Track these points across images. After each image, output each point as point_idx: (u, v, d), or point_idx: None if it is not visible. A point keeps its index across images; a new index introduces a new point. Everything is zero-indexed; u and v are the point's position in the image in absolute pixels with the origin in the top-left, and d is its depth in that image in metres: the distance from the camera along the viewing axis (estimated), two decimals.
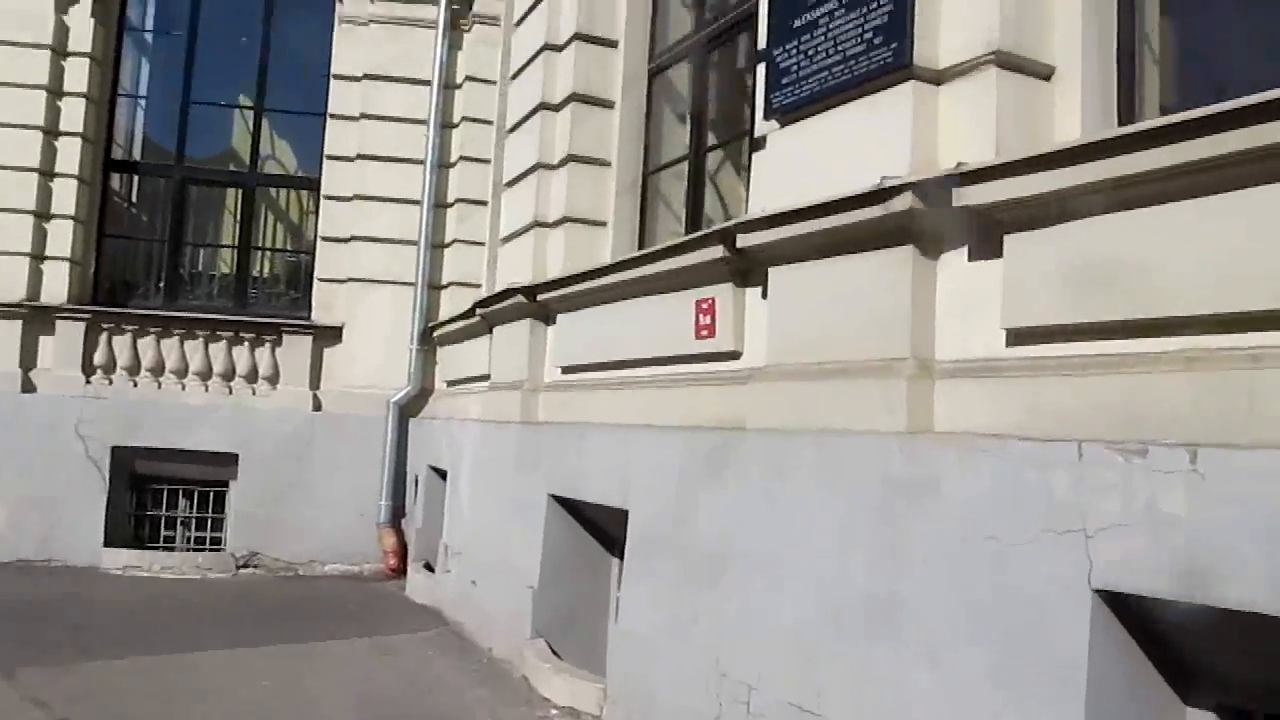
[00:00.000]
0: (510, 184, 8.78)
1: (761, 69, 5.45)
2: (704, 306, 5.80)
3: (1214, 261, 3.33)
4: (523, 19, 8.85)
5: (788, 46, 5.07)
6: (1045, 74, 4.29)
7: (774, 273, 5.13)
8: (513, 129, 8.82)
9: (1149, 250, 3.52)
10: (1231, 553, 3.03)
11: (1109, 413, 3.53)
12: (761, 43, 5.46)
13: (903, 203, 4.23)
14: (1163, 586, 3.20)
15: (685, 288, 5.96)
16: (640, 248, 7.78)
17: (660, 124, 7.95)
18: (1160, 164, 3.45)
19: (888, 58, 4.46)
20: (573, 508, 7.11)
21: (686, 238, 5.91)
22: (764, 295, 5.40)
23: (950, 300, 4.31)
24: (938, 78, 4.42)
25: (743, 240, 5.20)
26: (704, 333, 5.80)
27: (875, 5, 4.56)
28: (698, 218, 7.11)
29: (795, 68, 5.01)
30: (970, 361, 4.17)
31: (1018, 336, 3.99)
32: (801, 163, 4.96)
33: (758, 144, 5.51)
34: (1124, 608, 3.39)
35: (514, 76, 8.94)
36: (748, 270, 5.55)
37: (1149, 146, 3.45)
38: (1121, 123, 4.19)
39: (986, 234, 4.13)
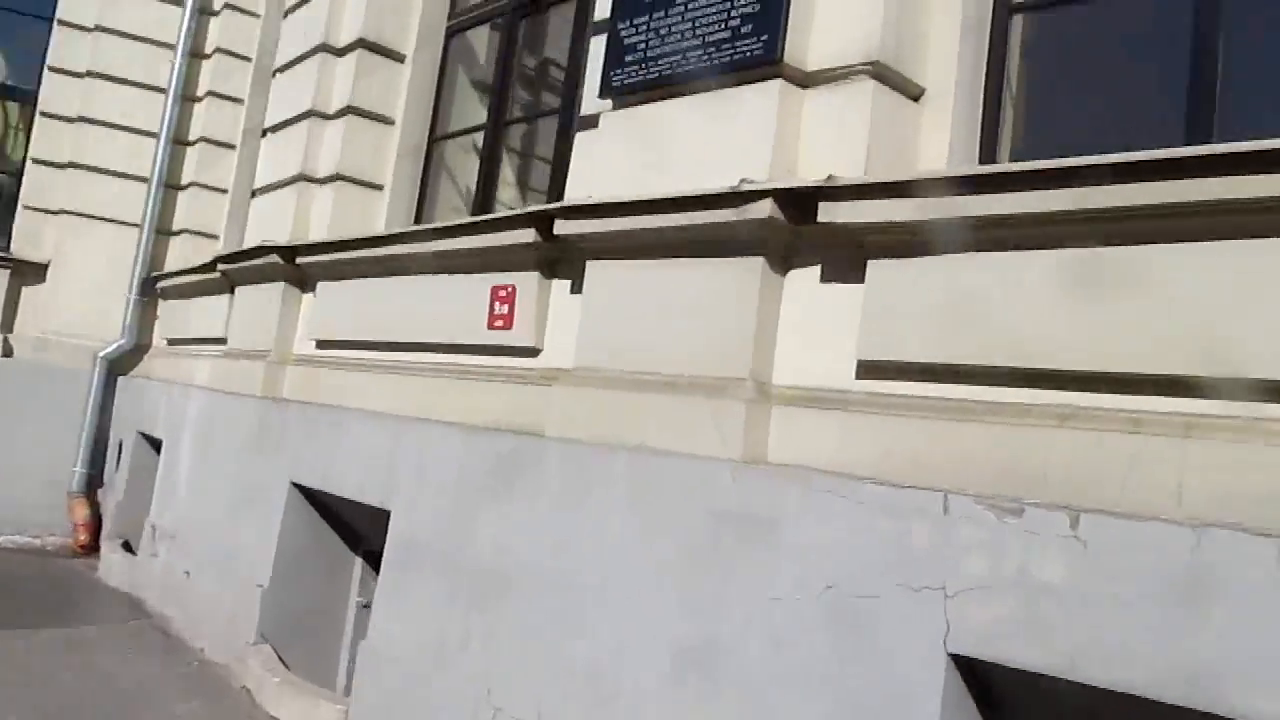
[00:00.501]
0: (273, 130, 7.79)
1: (598, 41, 4.95)
2: (502, 294, 5.23)
3: (1090, 320, 3.15)
4: None
5: (636, 21, 4.59)
6: (916, 94, 4.06)
7: (594, 267, 4.63)
8: (282, 68, 7.85)
9: (1025, 297, 3.30)
10: (1113, 629, 2.83)
11: (979, 464, 3.29)
12: (601, 12, 4.95)
13: (761, 210, 3.85)
14: (1032, 659, 2.97)
15: (482, 270, 5.36)
16: (419, 218, 7.09)
17: (455, 87, 7.28)
18: (1030, 209, 3.27)
19: (756, 50, 4.08)
20: (319, 501, 6.32)
21: (493, 215, 5.31)
22: (575, 290, 4.91)
23: (798, 322, 3.98)
24: (806, 80, 4.08)
25: (561, 227, 4.67)
26: (499, 323, 5.22)
27: None
28: (489, 195, 6.51)
29: (643, 46, 4.54)
30: (816, 390, 3.85)
31: (874, 370, 3.71)
32: (640, 150, 4.50)
33: (585, 123, 5.00)
34: (984, 677, 3.14)
35: (290, 11, 7.95)
36: (558, 260, 5.03)
37: (1022, 188, 3.26)
38: (983, 158, 4.01)
39: (849, 256, 3.82)
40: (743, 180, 3.91)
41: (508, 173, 6.79)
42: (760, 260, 3.98)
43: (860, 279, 3.79)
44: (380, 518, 5.52)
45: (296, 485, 6.39)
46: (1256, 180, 2.83)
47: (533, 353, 5.09)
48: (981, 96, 4.07)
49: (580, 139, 5.00)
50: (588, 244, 4.64)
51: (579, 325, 4.66)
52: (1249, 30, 3.57)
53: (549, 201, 5.46)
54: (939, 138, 4.02)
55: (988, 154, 4.03)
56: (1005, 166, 3.44)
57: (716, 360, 4.04)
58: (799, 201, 3.84)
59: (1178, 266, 3.02)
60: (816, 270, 3.97)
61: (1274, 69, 3.57)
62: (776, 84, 4.03)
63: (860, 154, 3.86)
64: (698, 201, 4.07)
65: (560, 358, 4.89)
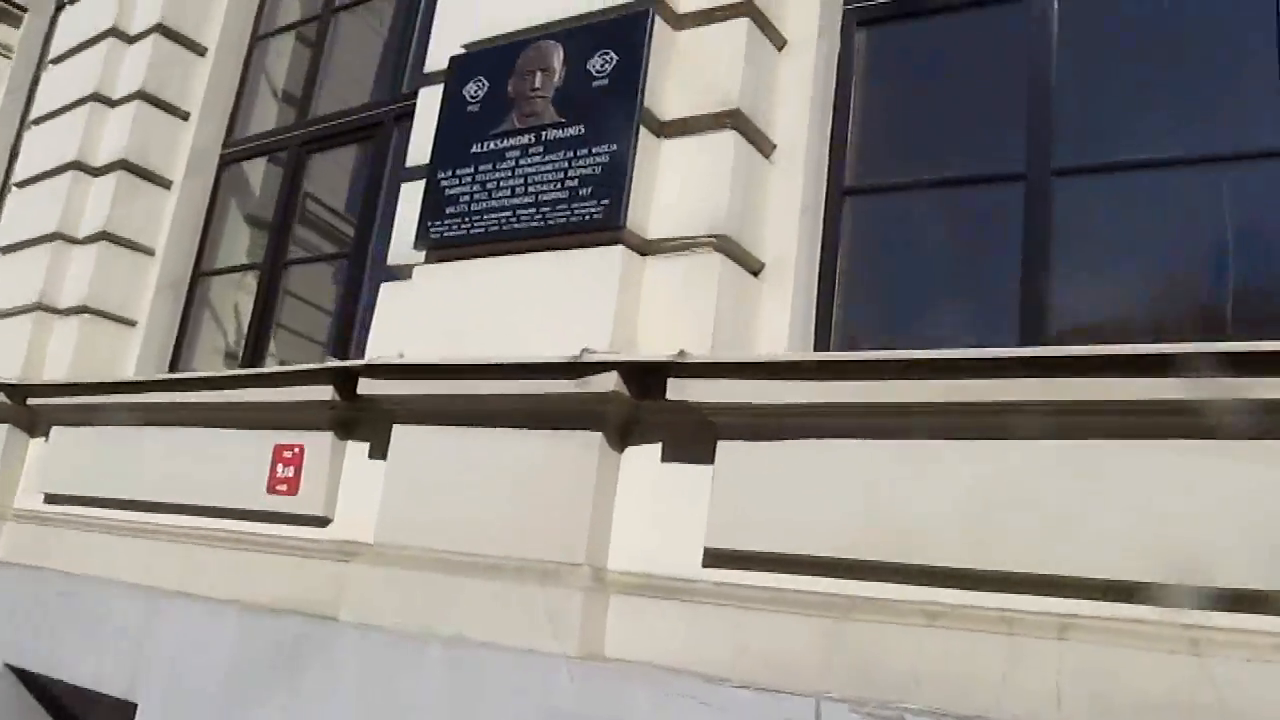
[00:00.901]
0: (7, 250, 6.89)
1: (411, 188, 4.63)
2: (286, 455, 4.69)
3: (959, 508, 3.07)
4: (62, 58, 7.18)
5: (460, 173, 4.32)
6: (756, 269, 3.97)
7: (403, 433, 4.21)
8: (25, 183, 7.00)
9: (885, 487, 3.20)
10: None
11: (846, 664, 3.10)
12: (417, 157, 4.66)
13: (605, 383, 3.60)
14: None
15: (262, 427, 4.80)
16: (176, 360, 6.41)
17: (226, 220, 6.70)
18: (876, 398, 3.23)
19: (596, 214, 3.89)
20: (40, 687, 5.36)
21: (286, 369, 4.78)
22: (376, 454, 4.47)
23: (638, 503, 3.72)
24: (647, 248, 3.92)
25: (367, 386, 4.24)
26: (282, 487, 4.66)
27: (586, 152, 3.98)
28: (262, 342, 5.95)
29: (466, 198, 4.26)
30: (660, 579, 3.58)
31: (724, 558, 3.48)
32: (461, 308, 4.17)
33: (392, 273, 4.64)
34: None
35: (38, 122, 7.16)
36: (356, 421, 4.58)
37: (866, 377, 3.22)
38: (819, 336, 3.97)
39: (697, 435, 3.62)
40: (584, 350, 3.65)
41: (290, 318, 6.24)
42: (598, 436, 3.72)
43: (708, 459, 3.59)
44: (123, 712, 4.70)
45: (11, 668, 5.41)
46: (1081, 383, 2.88)
47: (322, 522, 4.55)
48: (817, 274, 4.04)
49: (388, 291, 4.61)
50: (397, 406, 4.22)
51: (382, 495, 4.19)
52: (1078, 220, 3.70)
53: (339, 356, 5.03)
54: (779, 314, 3.94)
55: (824, 332, 3.98)
56: (862, 354, 3.34)
57: (548, 543, 3.70)
58: (644, 376, 3.64)
59: (1032, 463, 3.00)
60: (658, 448, 3.75)
61: (1100, 264, 3.71)
62: (618, 250, 3.85)
63: (706, 328, 3.70)
64: (531, 369, 3.78)
65: (356, 530, 4.39)
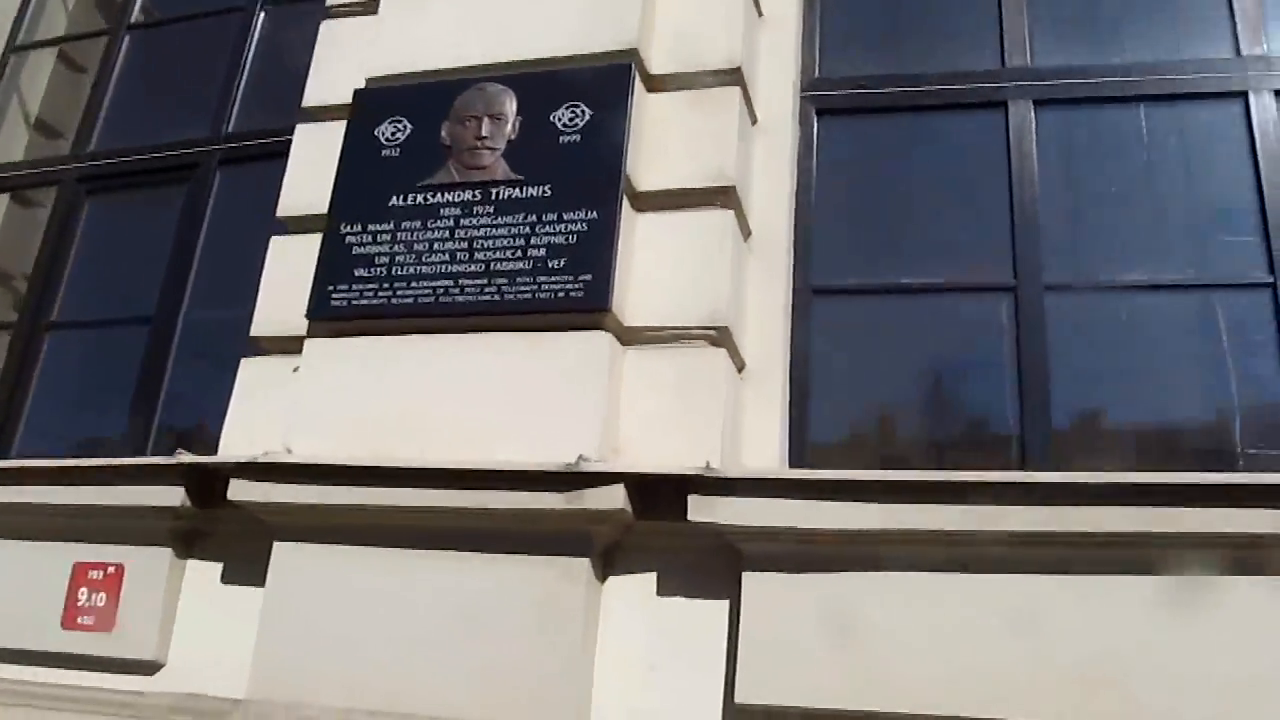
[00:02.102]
0: None
1: (288, 244, 3.75)
2: (94, 577, 3.54)
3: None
4: None
5: (374, 228, 3.51)
6: (740, 366, 3.46)
7: (289, 552, 3.28)
8: None
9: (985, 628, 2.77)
10: None
11: None
12: (297, 204, 3.78)
13: (606, 499, 2.95)
14: None
15: (59, 538, 3.61)
16: None
17: None
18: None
19: (574, 292, 3.25)
20: None
21: (113, 462, 3.61)
22: (236, 579, 3.49)
23: (626, 650, 3.04)
24: (627, 336, 3.31)
25: (241, 491, 3.27)
26: (86, 619, 3.51)
27: (554, 218, 3.34)
28: (10, 424, 4.61)
29: (385, 260, 3.47)
30: None
31: (754, 717, 2.86)
32: (379, 396, 3.34)
33: (260, 347, 3.69)
34: None
35: None
36: (202, 536, 3.54)
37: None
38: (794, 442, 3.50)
39: (709, 564, 3.03)
40: (580, 458, 2.97)
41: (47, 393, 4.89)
42: (585, 564, 3.02)
43: (723, 594, 3.01)
44: None
45: None
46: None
47: (149, 668, 3.43)
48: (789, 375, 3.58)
49: (253, 370, 3.65)
50: (282, 518, 3.28)
51: (260, 635, 3.22)
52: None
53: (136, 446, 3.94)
54: (765, 421, 3.43)
55: (801, 446, 3.51)
56: (947, 474, 2.90)
57: (518, 705, 2.92)
58: (645, 492, 3.00)
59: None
60: (651, 579, 3.11)
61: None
62: (604, 338, 3.21)
63: (709, 436, 3.14)
64: (501, 478, 3.03)
65: (204, 680, 3.35)
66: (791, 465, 3.41)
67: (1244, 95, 3.65)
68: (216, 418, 3.78)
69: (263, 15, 4.89)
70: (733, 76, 3.56)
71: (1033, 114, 3.76)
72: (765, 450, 3.38)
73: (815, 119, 3.92)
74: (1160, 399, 3.44)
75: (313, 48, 4.18)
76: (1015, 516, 2.71)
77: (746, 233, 3.60)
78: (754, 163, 3.69)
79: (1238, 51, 3.70)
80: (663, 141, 3.51)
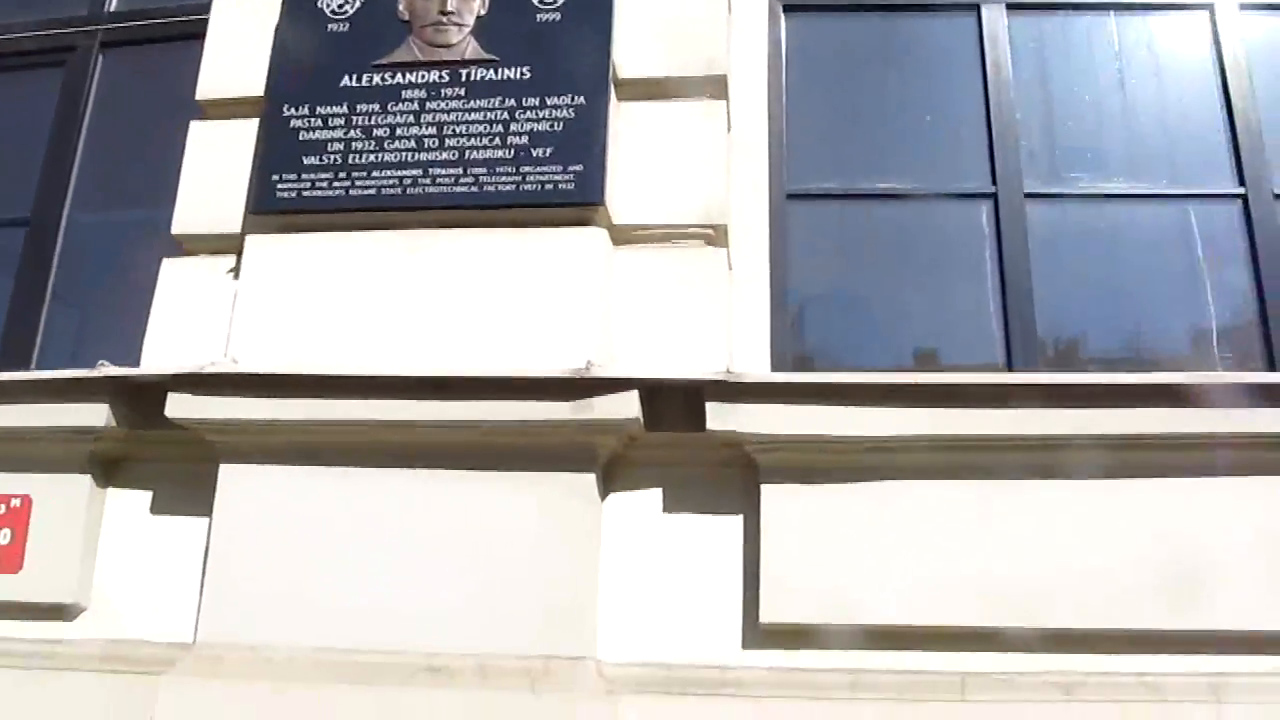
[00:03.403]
0: None
1: (212, 130, 3.30)
2: None
3: None
4: None
5: (324, 111, 3.11)
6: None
7: (239, 475, 2.89)
8: None
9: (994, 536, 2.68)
10: None
11: None
12: (220, 86, 3.32)
13: (616, 407, 2.69)
14: None
15: None
16: None
17: None
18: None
19: (564, 184, 2.95)
20: None
21: (25, 376, 3.10)
22: (167, 508, 3.04)
23: (631, 570, 2.81)
24: (617, 234, 3.04)
25: (181, 406, 2.86)
26: None
27: (536, 103, 3.03)
28: None
29: (340, 147, 3.08)
30: (685, 670, 2.70)
31: (782, 637, 2.69)
32: (336, 299, 2.97)
33: (182, 246, 3.24)
34: None
35: None
36: (125, 460, 3.10)
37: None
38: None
39: (723, 477, 2.83)
40: (589, 363, 2.70)
41: None
42: (590, 479, 2.76)
43: (736, 508, 2.82)
44: None
45: None
46: None
47: (67, 613, 2.98)
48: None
49: (176, 271, 3.19)
50: (229, 437, 2.88)
51: (210, 569, 2.82)
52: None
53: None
54: (755, 325, 3.23)
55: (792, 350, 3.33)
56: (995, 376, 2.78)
57: (520, 629, 2.66)
58: (655, 399, 2.76)
59: None
60: (656, 495, 2.87)
61: None
62: (598, 234, 2.93)
63: (712, 340, 2.92)
64: (490, 386, 2.73)
65: (135, 625, 2.93)
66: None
67: (1210, 7, 3.64)
68: (119, 331, 3.31)
69: None
70: None
71: (1005, 19, 3.65)
72: (755, 358, 3.18)
73: (783, 15, 3.69)
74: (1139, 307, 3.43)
75: None
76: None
77: (730, 128, 3.36)
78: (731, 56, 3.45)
79: None
80: (643, 27, 3.22)
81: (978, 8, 3.65)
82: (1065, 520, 2.66)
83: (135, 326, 3.23)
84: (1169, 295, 3.44)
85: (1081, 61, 3.68)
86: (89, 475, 3.02)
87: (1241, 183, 3.42)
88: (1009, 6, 3.66)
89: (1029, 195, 3.43)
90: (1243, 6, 3.64)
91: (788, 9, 3.67)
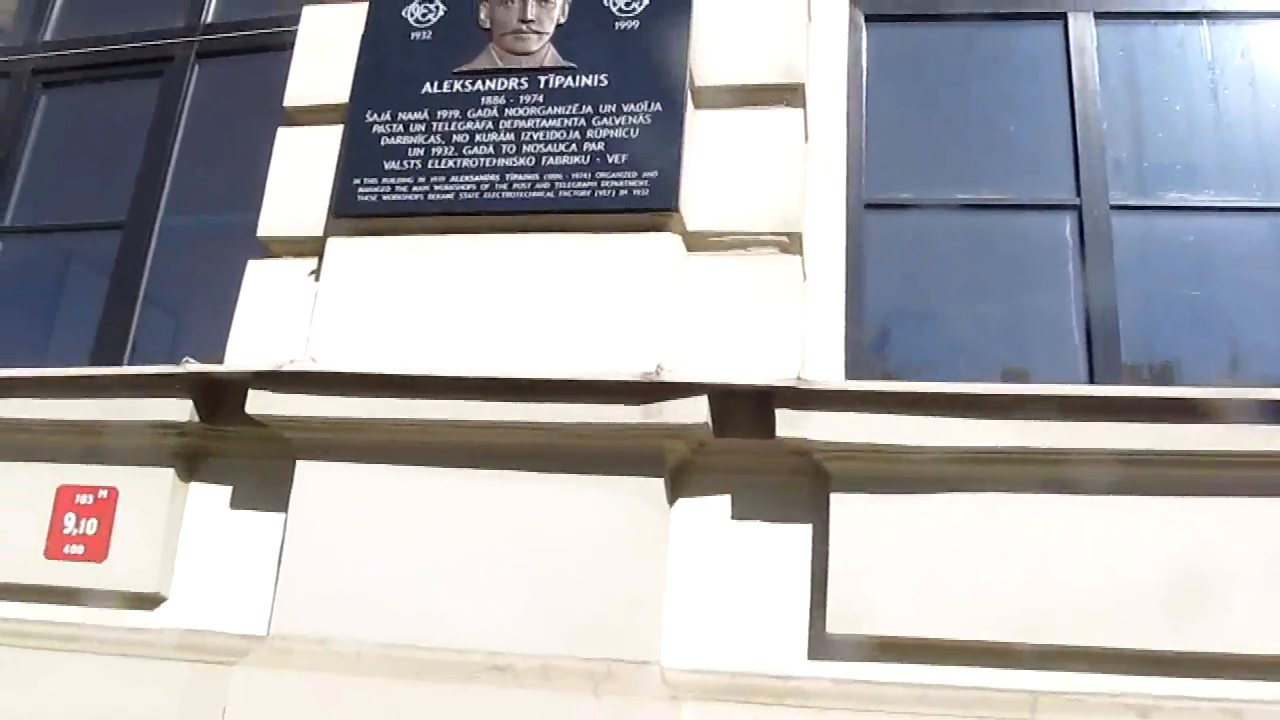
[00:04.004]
0: None
1: (299, 136, 3.39)
2: (84, 502, 3.16)
3: None
4: None
5: (406, 117, 3.18)
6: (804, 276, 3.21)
7: (318, 472, 2.96)
8: None
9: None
10: None
11: None
12: (307, 94, 3.41)
13: (687, 412, 2.69)
14: None
15: (39, 459, 3.22)
16: None
17: None
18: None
19: (639, 190, 2.97)
20: None
21: (111, 371, 3.25)
22: (247, 502, 3.14)
23: (699, 576, 2.80)
24: (692, 241, 3.04)
25: (262, 403, 2.93)
26: (75, 549, 3.13)
27: (613, 109, 3.05)
28: None
29: (420, 153, 3.13)
30: (750, 679, 2.68)
31: (847, 649, 2.65)
32: (415, 300, 3.03)
33: (267, 248, 3.32)
34: None
35: None
36: (209, 455, 3.20)
37: None
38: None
39: (792, 485, 2.80)
40: (659, 367, 2.70)
41: None
42: (659, 484, 2.76)
43: (805, 517, 2.79)
44: None
45: None
46: None
47: (149, 602, 3.07)
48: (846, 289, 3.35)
49: (262, 273, 3.28)
50: (309, 434, 2.95)
51: (285, 563, 2.89)
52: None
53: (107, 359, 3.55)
54: (830, 335, 3.20)
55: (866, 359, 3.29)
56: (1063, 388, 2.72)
57: (588, 633, 2.67)
58: (725, 406, 2.75)
59: None
60: (725, 501, 2.86)
61: None
62: (673, 240, 2.94)
63: (786, 348, 2.90)
64: (562, 389, 2.75)
65: (215, 616, 3.01)
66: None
67: None
68: (207, 330, 3.42)
69: None
70: None
71: (1093, 27, 3.57)
72: (828, 366, 3.15)
73: (864, 23, 3.66)
74: (1230, 323, 3.32)
75: None
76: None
77: (807, 137, 3.35)
78: (812, 66, 3.43)
79: None
80: (722, 34, 3.23)
81: (1065, 16, 3.57)
82: (1142, 537, 2.58)
83: (222, 326, 3.33)
84: (1262, 311, 3.32)
85: (1172, 71, 3.58)
86: (172, 469, 3.12)
87: None
88: (1097, 15, 3.57)
89: (1114, 207, 3.34)
90: None
91: (869, 18, 3.64)
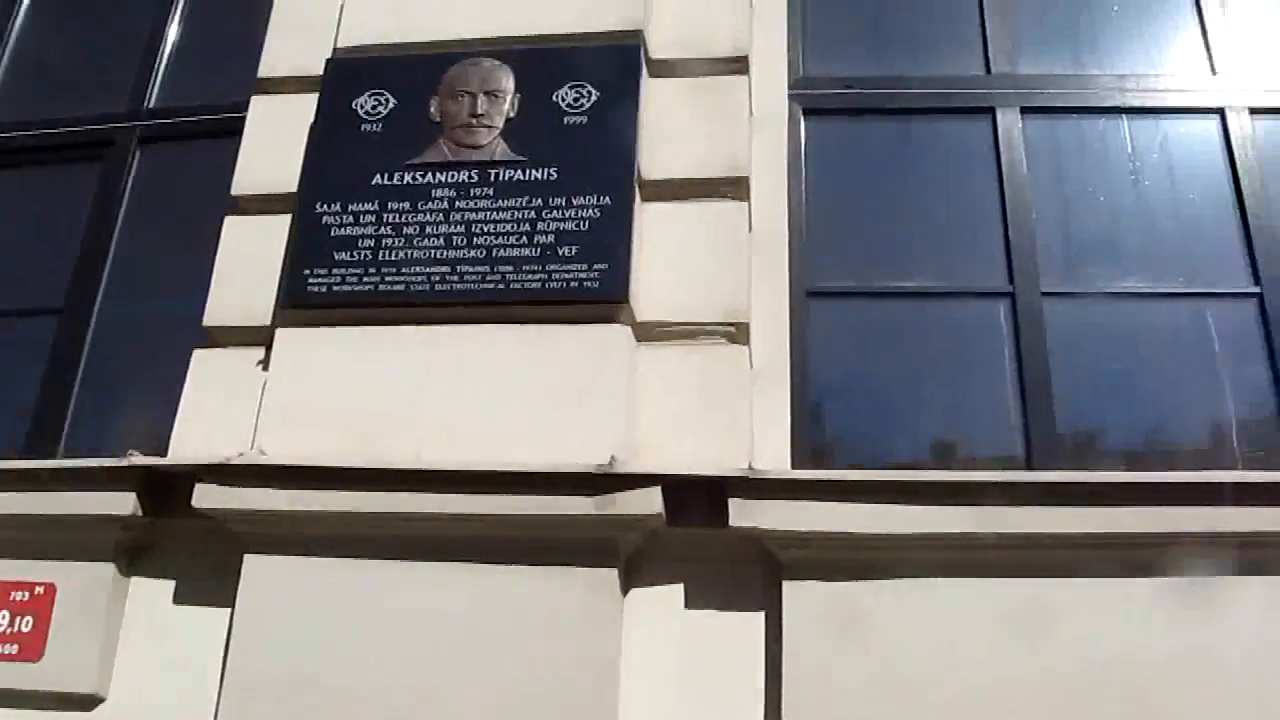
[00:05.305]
0: None
1: (246, 225, 3.40)
2: (19, 599, 3.07)
3: None
4: None
5: (356, 208, 3.21)
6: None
7: (265, 567, 2.91)
8: None
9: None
10: None
11: None
12: (255, 182, 3.42)
13: (640, 503, 2.71)
14: None
15: None
16: None
17: None
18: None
19: (589, 282, 3.02)
20: None
21: (56, 464, 3.16)
22: (191, 598, 3.07)
23: (653, 667, 2.79)
24: (640, 331, 3.09)
25: (208, 495, 2.89)
26: (8, 647, 3.03)
27: (563, 202, 3.11)
28: None
29: (371, 243, 3.16)
30: None
31: None
32: (364, 392, 3.02)
33: (214, 338, 3.30)
34: None
35: None
36: (150, 548, 3.12)
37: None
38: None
39: (743, 573, 2.83)
40: (613, 459, 2.73)
41: None
42: (613, 574, 2.77)
43: (756, 605, 2.80)
44: None
45: None
46: None
47: (87, 703, 2.98)
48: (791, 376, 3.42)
49: (207, 363, 3.25)
50: (255, 528, 2.91)
51: (232, 661, 2.83)
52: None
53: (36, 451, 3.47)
54: (774, 423, 3.25)
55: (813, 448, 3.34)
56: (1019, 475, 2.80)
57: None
58: (677, 496, 2.78)
59: None
60: (678, 591, 2.87)
61: None
62: (622, 331, 2.99)
63: (736, 437, 2.95)
64: (514, 481, 2.77)
65: (151, 716, 2.92)
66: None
67: (1220, 112, 3.72)
68: (146, 419, 3.38)
69: None
70: (739, 65, 3.42)
71: (1020, 121, 3.73)
72: (776, 454, 3.20)
73: (802, 118, 3.78)
74: (1157, 402, 3.44)
75: (245, 20, 3.85)
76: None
77: (751, 227, 3.43)
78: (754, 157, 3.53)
79: (1213, 70, 3.77)
80: (668, 129, 3.32)
81: (993, 111, 3.73)
82: (1085, 619, 2.65)
83: (162, 415, 3.29)
84: (1187, 391, 3.45)
85: (1096, 162, 3.75)
86: (113, 564, 3.05)
87: (1257, 282, 3.45)
88: (1024, 110, 3.73)
89: (1046, 294, 3.47)
90: (1253, 111, 3.71)
91: (808, 112, 3.76)
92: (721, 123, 3.32)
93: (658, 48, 3.42)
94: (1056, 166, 3.75)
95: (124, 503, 2.96)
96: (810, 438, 3.32)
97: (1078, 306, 3.52)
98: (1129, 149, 3.75)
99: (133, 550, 3.09)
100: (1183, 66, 3.82)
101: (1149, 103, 3.77)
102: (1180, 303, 3.54)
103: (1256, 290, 3.46)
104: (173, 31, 4.34)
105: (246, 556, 2.91)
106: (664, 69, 3.40)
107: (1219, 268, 3.55)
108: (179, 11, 4.38)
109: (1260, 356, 3.43)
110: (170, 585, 3.07)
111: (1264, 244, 3.46)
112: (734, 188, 3.25)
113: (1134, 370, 3.47)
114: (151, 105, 4.23)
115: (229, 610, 2.91)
